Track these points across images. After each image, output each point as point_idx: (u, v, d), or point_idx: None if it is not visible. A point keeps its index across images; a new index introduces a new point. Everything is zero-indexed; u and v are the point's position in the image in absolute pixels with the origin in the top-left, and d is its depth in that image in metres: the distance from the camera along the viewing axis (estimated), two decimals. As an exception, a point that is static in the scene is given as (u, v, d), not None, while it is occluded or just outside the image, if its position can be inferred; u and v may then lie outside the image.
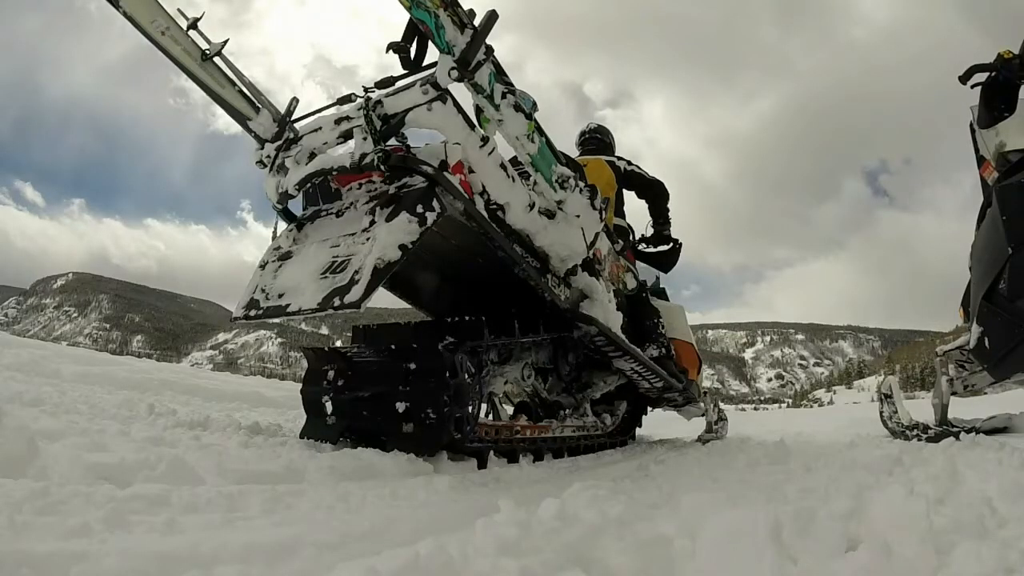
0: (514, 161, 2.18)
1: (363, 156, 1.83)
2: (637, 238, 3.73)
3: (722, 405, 4.97)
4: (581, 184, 2.34)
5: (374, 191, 1.98)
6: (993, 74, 2.53)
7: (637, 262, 3.63)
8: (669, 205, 3.68)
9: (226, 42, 2.20)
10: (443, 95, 1.86)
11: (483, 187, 2.00)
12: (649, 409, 3.96)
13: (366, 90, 1.98)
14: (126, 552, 0.91)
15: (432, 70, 1.86)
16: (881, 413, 3.85)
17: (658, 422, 4.71)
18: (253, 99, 2.32)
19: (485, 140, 1.99)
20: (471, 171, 1.95)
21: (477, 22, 1.83)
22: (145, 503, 1.18)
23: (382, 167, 1.80)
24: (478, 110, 1.99)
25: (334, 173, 1.97)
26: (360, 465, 1.82)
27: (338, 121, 2.04)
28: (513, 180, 2.10)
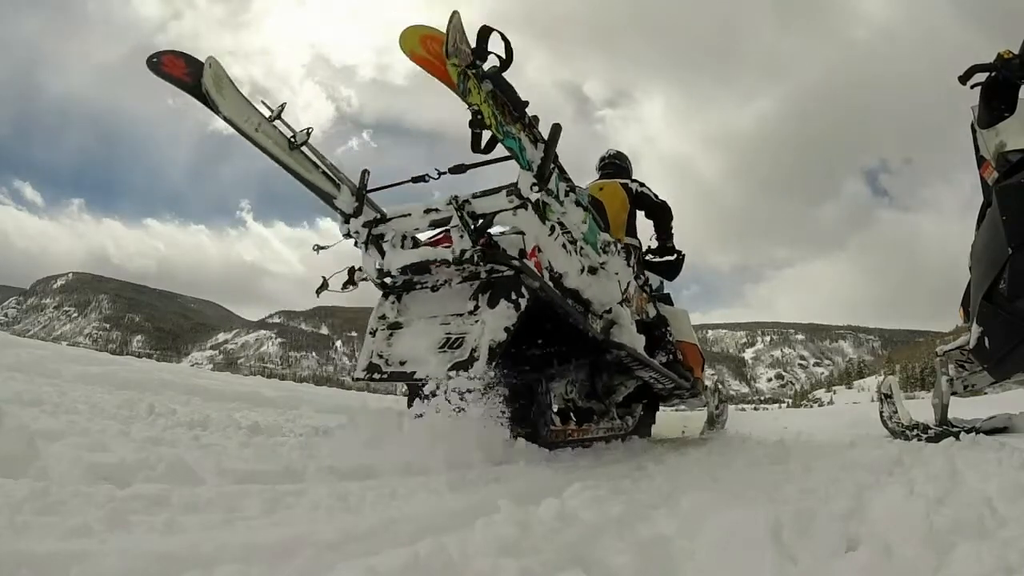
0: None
1: (463, 252, 2.25)
2: (644, 249, 4.03)
3: (721, 387, 5.46)
4: (619, 247, 2.92)
5: (463, 271, 2.39)
6: (993, 74, 2.53)
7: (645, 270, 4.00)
8: (673, 224, 4.04)
9: (310, 131, 2.51)
10: (525, 203, 2.24)
11: (549, 263, 2.44)
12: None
13: (440, 173, 2.44)
14: (126, 552, 0.91)
15: (515, 182, 2.26)
16: (881, 413, 3.85)
17: (658, 422, 4.72)
18: (335, 178, 2.61)
19: (552, 229, 2.43)
20: (540, 250, 2.38)
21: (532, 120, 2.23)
22: (145, 503, 1.18)
23: (479, 262, 2.25)
24: (545, 205, 2.36)
25: (437, 263, 2.36)
26: (360, 465, 1.82)
27: (427, 211, 2.45)
28: (570, 255, 2.56)
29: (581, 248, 2.64)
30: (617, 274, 2.85)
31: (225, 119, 2.38)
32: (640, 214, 4.01)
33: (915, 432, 3.34)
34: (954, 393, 3.46)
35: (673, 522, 1.24)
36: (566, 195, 2.45)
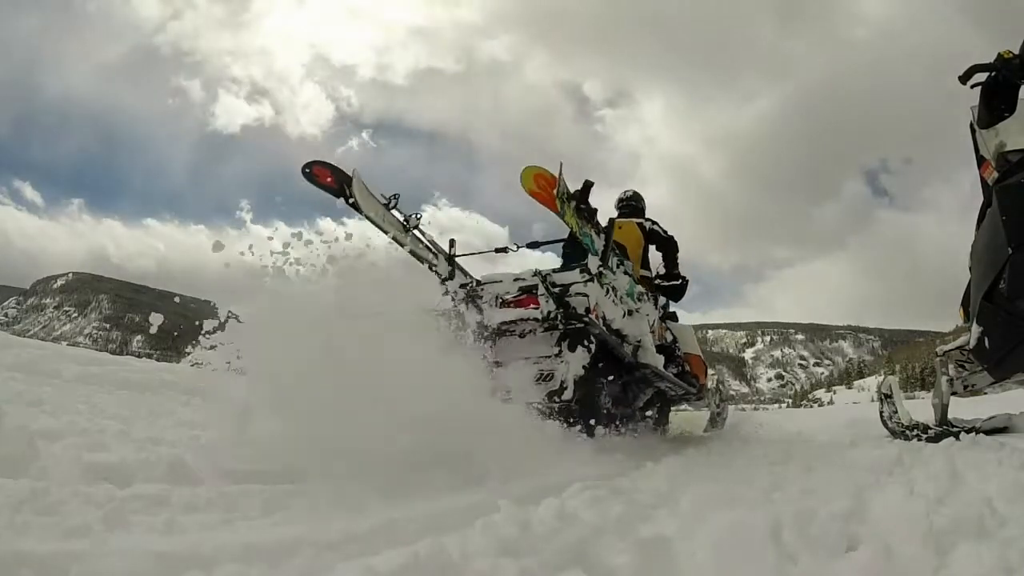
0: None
1: (549, 312, 3.10)
2: (654, 275, 4.63)
3: (722, 387, 6.13)
4: (649, 294, 3.92)
5: (536, 318, 3.18)
6: (993, 74, 2.52)
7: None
8: (679, 254, 4.67)
9: (419, 216, 3.37)
10: (592, 278, 3.17)
11: (603, 314, 3.26)
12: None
13: (518, 246, 3.56)
14: (126, 552, 0.90)
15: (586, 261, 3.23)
16: (881, 413, 3.84)
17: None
18: (434, 250, 3.42)
19: (607, 291, 3.28)
20: (597, 305, 3.19)
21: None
22: (145, 503, 1.18)
23: (561, 320, 3.07)
24: (602, 275, 3.23)
25: (528, 320, 3.17)
26: (360, 465, 1.82)
27: (516, 279, 3.30)
28: (616, 304, 3.36)
29: (622, 298, 3.49)
30: (648, 315, 3.78)
31: (366, 216, 3.13)
32: (651, 247, 4.61)
33: (915, 432, 3.33)
34: (954, 393, 3.44)
35: (673, 522, 1.24)
36: (618, 267, 3.43)
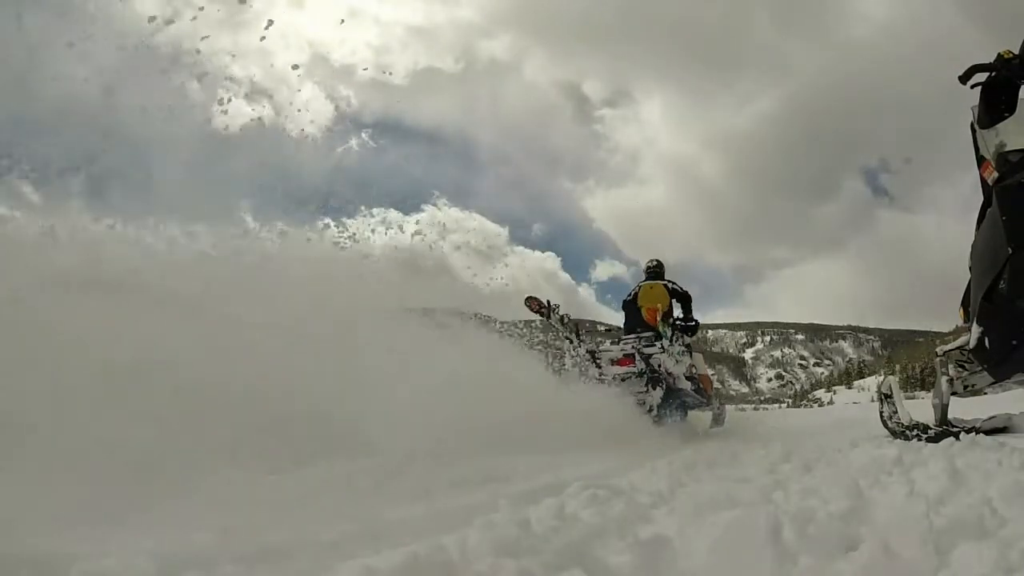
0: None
1: (642, 369, 5.41)
2: (674, 319, 6.59)
3: (720, 390, 8.49)
4: (690, 350, 6.28)
5: (633, 372, 5.43)
6: (993, 74, 2.52)
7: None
8: (692, 304, 6.68)
9: (569, 315, 5.60)
10: (664, 351, 5.62)
11: (665, 366, 5.55)
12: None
13: (617, 328, 6.57)
14: (126, 552, 0.90)
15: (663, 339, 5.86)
16: (881, 413, 3.84)
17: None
18: (573, 330, 5.52)
19: (668, 353, 5.65)
20: (664, 363, 5.56)
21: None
22: (148, 503, 1.18)
23: (648, 372, 5.42)
24: (668, 348, 5.68)
25: (631, 372, 5.40)
26: (360, 465, 1.82)
27: (621, 348, 5.65)
28: (670, 357, 5.63)
29: (673, 355, 5.70)
30: (686, 362, 6.01)
31: (550, 324, 5.66)
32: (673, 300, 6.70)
33: (915, 432, 3.33)
34: (954, 393, 3.44)
35: (673, 522, 1.24)
36: (675, 341, 5.83)
